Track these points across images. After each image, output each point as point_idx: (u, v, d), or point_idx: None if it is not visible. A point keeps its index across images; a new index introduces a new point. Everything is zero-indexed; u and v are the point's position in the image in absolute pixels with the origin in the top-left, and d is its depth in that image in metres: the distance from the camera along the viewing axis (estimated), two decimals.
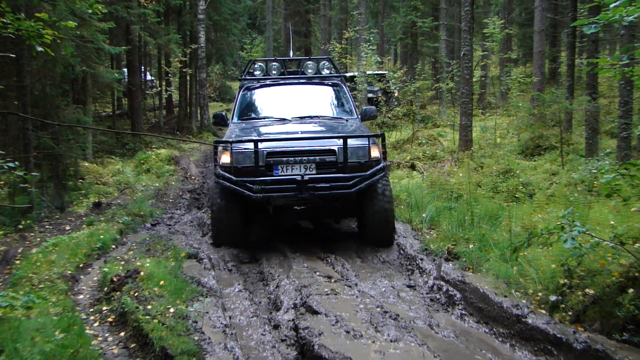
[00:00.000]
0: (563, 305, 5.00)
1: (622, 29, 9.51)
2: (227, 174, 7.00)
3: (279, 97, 8.97)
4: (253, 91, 9.02)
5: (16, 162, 3.98)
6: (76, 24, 5.05)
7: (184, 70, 22.92)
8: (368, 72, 18.86)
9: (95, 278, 6.81)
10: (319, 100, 9.01)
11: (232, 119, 8.61)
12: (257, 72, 9.21)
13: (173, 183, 13.48)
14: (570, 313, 4.89)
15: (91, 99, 15.82)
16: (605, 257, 5.10)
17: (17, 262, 7.34)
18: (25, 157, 9.58)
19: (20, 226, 9.24)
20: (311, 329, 4.78)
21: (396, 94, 18.60)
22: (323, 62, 9.30)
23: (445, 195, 9.69)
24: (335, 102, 8.98)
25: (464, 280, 5.96)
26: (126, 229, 9.12)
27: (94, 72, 13.33)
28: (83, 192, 11.64)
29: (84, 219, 9.83)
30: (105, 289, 6.13)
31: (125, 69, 20.73)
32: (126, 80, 19.51)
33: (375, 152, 7.17)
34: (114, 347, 4.87)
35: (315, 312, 5.24)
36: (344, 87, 9.10)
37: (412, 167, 12.86)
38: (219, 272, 6.96)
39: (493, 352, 4.68)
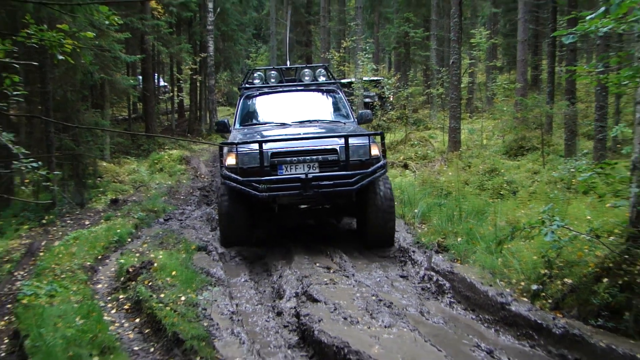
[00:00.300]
0: (543, 294, 5.01)
1: (598, 39, 9.51)
2: (233, 175, 6.79)
3: (278, 103, 8.72)
4: (253, 99, 8.76)
5: (39, 162, 3.97)
6: (94, 34, 5.05)
7: (194, 77, 22.92)
8: (364, 79, 18.82)
9: (113, 269, 6.81)
10: (316, 105, 8.82)
11: (234, 125, 8.35)
12: (256, 81, 8.98)
13: (184, 181, 13.48)
14: (550, 301, 4.90)
15: (109, 104, 15.80)
16: (582, 249, 5.10)
17: (41, 254, 7.35)
18: (48, 157, 9.59)
19: (44, 221, 9.27)
20: (311, 316, 4.78)
21: (391, 99, 18.57)
22: (319, 69, 9.08)
23: (436, 192, 9.68)
24: (332, 107, 8.76)
25: (452, 271, 5.96)
26: (141, 224, 9.12)
27: (111, 78, 13.34)
28: (101, 189, 11.65)
29: (102, 214, 9.84)
30: (122, 278, 6.14)
31: (140, 76, 20.71)
32: (141, 86, 19.49)
33: (375, 150, 6.97)
34: (130, 332, 4.88)
35: (315, 300, 5.24)
36: (340, 92, 8.88)
37: (405, 166, 12.85)
38: (226, 263, 6.95)
39: (479, 337, 4.69)
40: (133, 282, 5.83)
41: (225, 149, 7.09)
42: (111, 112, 17.75)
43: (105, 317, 5.08)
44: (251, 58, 39.85)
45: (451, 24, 13.86)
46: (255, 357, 4.18)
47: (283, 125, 7.99)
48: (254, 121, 8.46)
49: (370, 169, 6.78)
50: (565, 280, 4.95)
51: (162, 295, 5.25)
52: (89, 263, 6.79)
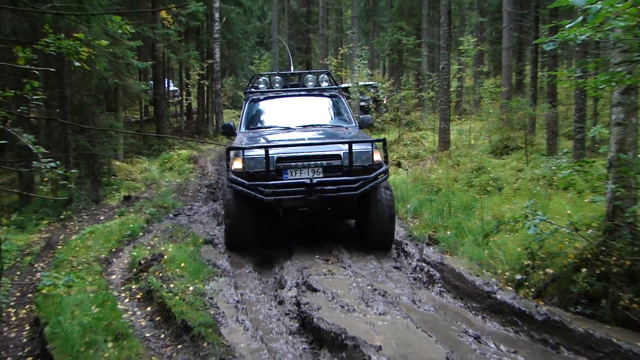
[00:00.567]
0: (527, 283, 5.02)
1: (577, 47, 9.48)
2: (239, 179, 6.52)
3: (282, 107, 8.44)
4: (258, 103, 8.50)
5: (58, 162, 3.96)
6: (109, 42, 5.03)
7: (201, 81, 22.86)
8: (360, 83, 18.78)
9: (126, 261, 6.82)
10: (319, 110, 8.50)
11: (240, 128, 8.06)
12: (261, 86, 8.69)
13: (192, 179, 13.46)
14: (532, 289, 4.91)
15: (122, 107, 15.80)
16: (562, 241, 5.12)
17: (59, 247, 7.35)
18: (65, 157, 9.58)
19: (62, 216, 9.26)
20: (311, 304, 4.79)
21: (385, 102, 18.56)
22: (322, 75, 8.80)
23: (427, 189, 9.68)
24: (335, 111, 8.47)
25: (442, 262, 5.97)
26: (152, 219, 9.11)
27: (124, 83, 13.31)
28: (115, 187, 11.64)
29: (116, 210, 9.83)
30: (134, 270, 6.15)
31: (151, 81, 20.67)
32: (152, 90, 19.45)
33: (377, 156, 6.75)
34: (142, 319, 4.89)
35: (314, 290, 5.25)
36: (342, 97, 8.58)
37: (398, 164, 12.84)
38: (231, 255, 6.92)
39: (467, 323, 4.70)
40: (145, 273, 5.84)
41: (232, 153, 6.88)
42: (124, 115, 17.76)
43: (119, 306, 5.08)
44: (254, 64, 39.76)
45: (441, 32, 13.85)
46: (259, 342, 4.19)
47: (287, 129, 7.75)
48: (259, 125, 8.19)
49: (372, 175, 6.55)
50: (547, 270, 4.96)
51: (171, 286, 5.26)
52: (103, 255, 6.80)
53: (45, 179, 10.25)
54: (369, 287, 5.33)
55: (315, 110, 8.47)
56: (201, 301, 4.92)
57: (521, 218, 4.80)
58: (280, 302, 5.23)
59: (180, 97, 23.00)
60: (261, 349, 4.05)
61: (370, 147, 6.73)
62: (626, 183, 4.65)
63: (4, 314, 4.97)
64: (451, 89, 17.53)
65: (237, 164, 6.63)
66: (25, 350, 4.29)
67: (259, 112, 8.48)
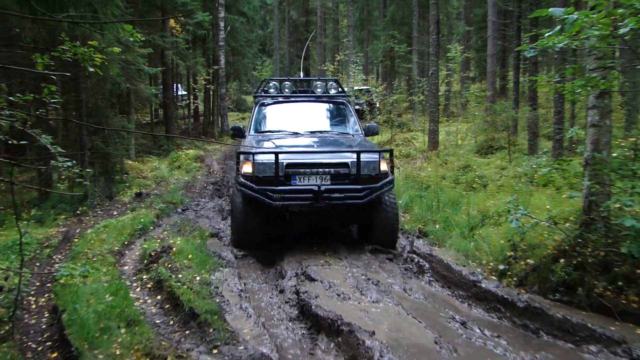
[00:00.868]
0: (509, 273, 5.04)
1: (556, 54, 9.50)
2: (249, 183, 6.26)
3: (291, 113, 8.05)
4: (268, 107, 8.08)
5: (74, 161, 3.96)
6: (121, 49, 5.04)
7: (207, 86, 22.80)
8: (355, 88, 18.80)
9: (137, 253, 6.80)
10: (327, 117, 8.18)
11: (249, 131, 7.67)
12: (271, 90, 8.30)
13: (199, 177, 13.45)
14: (515, 279, 4.93)
15: (134, 110, 15.75)
16: (542, 234, 5.13)
17: (76, 240, 7.35)
18: (81, 156, 9.57)
19: (78, 212, 9.26)
20: (309, 293, 4.80)
21: (378, 105, 18.55)
22: (330, 82, 8.36)
23: (417, 185, 9.69)
24: (342, 119, 8.06)
25: (431, 254, 5.98)
26: (161, 214, 9.10)
27: (136, 88, 13.29)
28: (127, 184, 11.62)
29: (128, 205, 9.82)
30: (145, 261, 6.14)
31: (161, 86, 20.62)
32: (162, 94, 19.41)
33: (384, 166, 6.47)
34: (152, 307, 4.89)
35: (312, 279, 5.25)
36: (349, 105, 8.18)
37: None
38: (235, 248, 6.91)
39: (454, 310, 4.71)
40: (155, 264, 5.84)
41: (242, 157, 6.52)
42: (136, 117, 17.70)
43: (131, 295, 5.08)
44: (257, 70, 39.70)
45: (430, 40, 13.83)
46: (261, 328, 4.19)
47: (295, 134, 7.43)
48: (268, 129, 7.76)
49: (378, 184, 6.31)
50: (528, 261, 4.98)
51: (180, 276, 5.25)
52: (116, 248, 6.79)
53: (63, 176, 10.17)
54: (363, 277, 5.33)
55: (323, 116, 8.19)
56: (207, 290, 4.92)
57: (504, 212, 4.83)
58: (281, 291, 5.23)
59: (188, 101, 22.93)
60: (263, 334, 4.06)
61: (378, 157, 6.46)
62: (601, 180, 4.67)
63: (24, 302, 4.97)
64: (440, 93, 17.51)
65: (247, 168, 6.36)
66: (45, 336, 4.29)
67: (269, 117, 8.10)
